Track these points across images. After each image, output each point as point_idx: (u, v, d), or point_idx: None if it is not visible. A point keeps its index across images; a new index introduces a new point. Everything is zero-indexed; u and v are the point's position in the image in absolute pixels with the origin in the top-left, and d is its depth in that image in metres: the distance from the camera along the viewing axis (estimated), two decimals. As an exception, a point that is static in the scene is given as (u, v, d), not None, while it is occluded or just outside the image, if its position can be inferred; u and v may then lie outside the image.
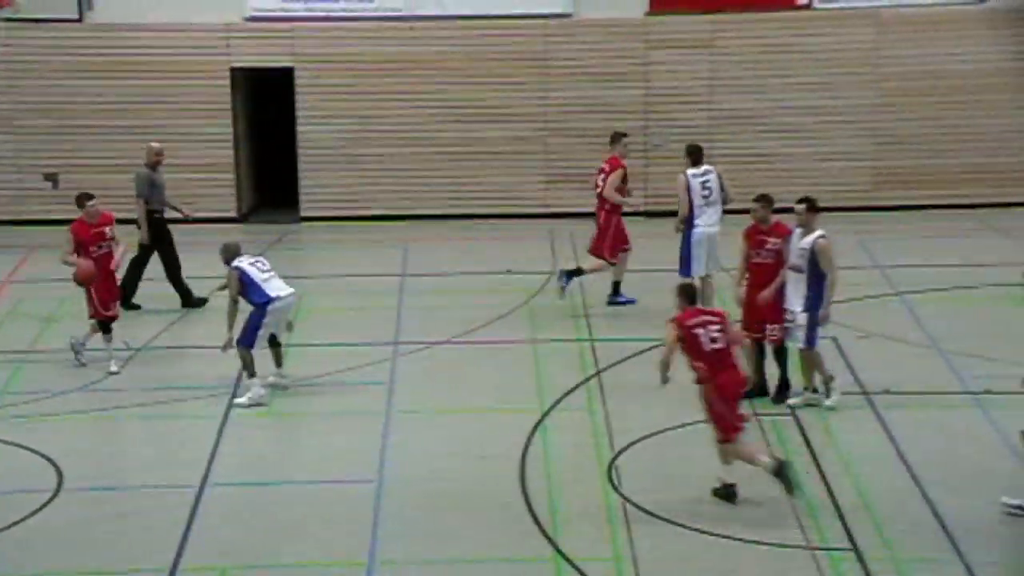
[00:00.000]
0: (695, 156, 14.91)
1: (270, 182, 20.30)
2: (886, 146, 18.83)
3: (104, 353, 14.09)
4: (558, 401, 13.10)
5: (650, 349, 14.13)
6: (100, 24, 18.85)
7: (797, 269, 12.47)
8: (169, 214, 16.22)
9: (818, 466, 11.57)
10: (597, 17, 18.86)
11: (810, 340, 12.41)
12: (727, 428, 10.80)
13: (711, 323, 10.83)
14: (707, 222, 14.69)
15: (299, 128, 19.28)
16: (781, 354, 12.75)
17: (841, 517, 10.63)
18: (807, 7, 18.64)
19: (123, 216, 15.64)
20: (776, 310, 12.58)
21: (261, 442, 12.45)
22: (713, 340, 10.75)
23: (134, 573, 10.07)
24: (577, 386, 13.49)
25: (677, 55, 18.84)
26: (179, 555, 10.27)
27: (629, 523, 10.64)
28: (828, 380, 12.56)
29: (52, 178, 19.24)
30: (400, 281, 16.92)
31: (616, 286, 15.82)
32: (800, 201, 12.53)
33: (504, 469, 11.64)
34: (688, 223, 14.70)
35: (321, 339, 14.75)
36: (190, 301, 15.91)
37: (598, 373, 13.81)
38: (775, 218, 12.77)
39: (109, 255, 14.06)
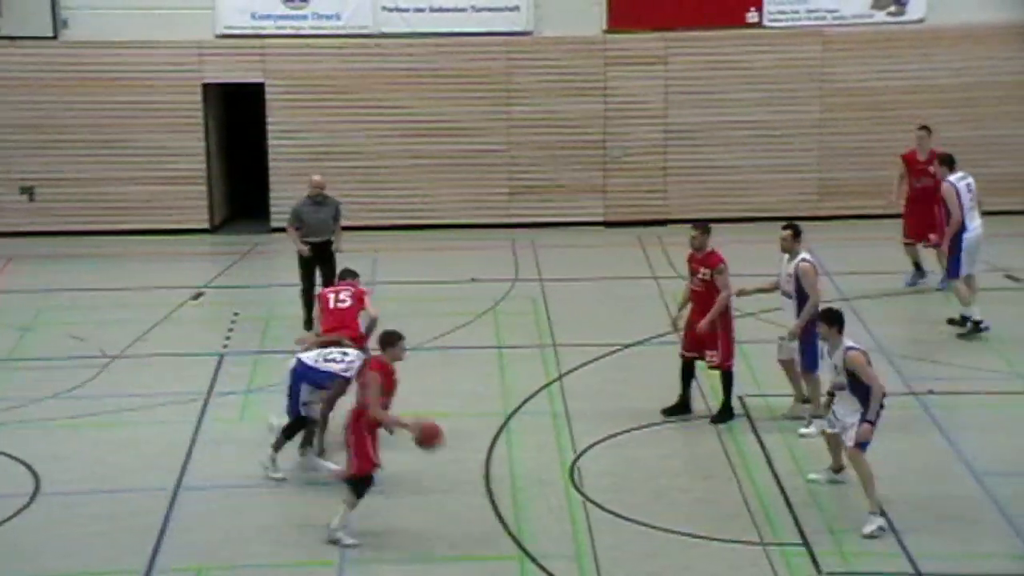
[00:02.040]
0: (951, 163, 15.12)
1: (242, 194, 20.67)
2: (831, 158, 19.38)
3: (78, 362, 14.27)
4: (522, 405, 13.52)
5: (610, 354, 14.65)
6: (74, 42, 19.07)
7: (788, 295, 12.60)
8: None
9: (770, 465, 12.09)
10: (557, 35, 19.30)
11: (809, 365, 12.42)
12: None
13: None
14: (975, 224, 14.93)
15: (270, 142, 19.63)
16: (727, 379, 12.85)
17: (793, 514, 11.11)
18: (757, 25, 19.10)
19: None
20: (714, 337, 12.68)
21: (235, 446, 12.63)
22: None
23: None
24: (540, 390, 13.93)
25: (634, 71, 19.30)
26: (154, 557, 10.53)
27: (591, 522, 11.06)
28: (816, 409, 12.43)
29: (28, 191, 19.54)
30: (369, 290, 17.31)
31: None
32: (785, 227, 12.63)
33: (469, 471, 12.03)
34: (961, 227, 14.83)
35: (292, 346, 15.15)
36: None
37: (560, 377, 14.26)
38: (711, 247, 12.87)
39: None
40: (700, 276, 12.79)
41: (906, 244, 16.59)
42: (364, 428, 10.72)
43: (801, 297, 12.52)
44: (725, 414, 12.93)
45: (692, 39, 19.20)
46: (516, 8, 19.27)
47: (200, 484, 11.87)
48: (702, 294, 12.80)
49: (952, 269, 14.82)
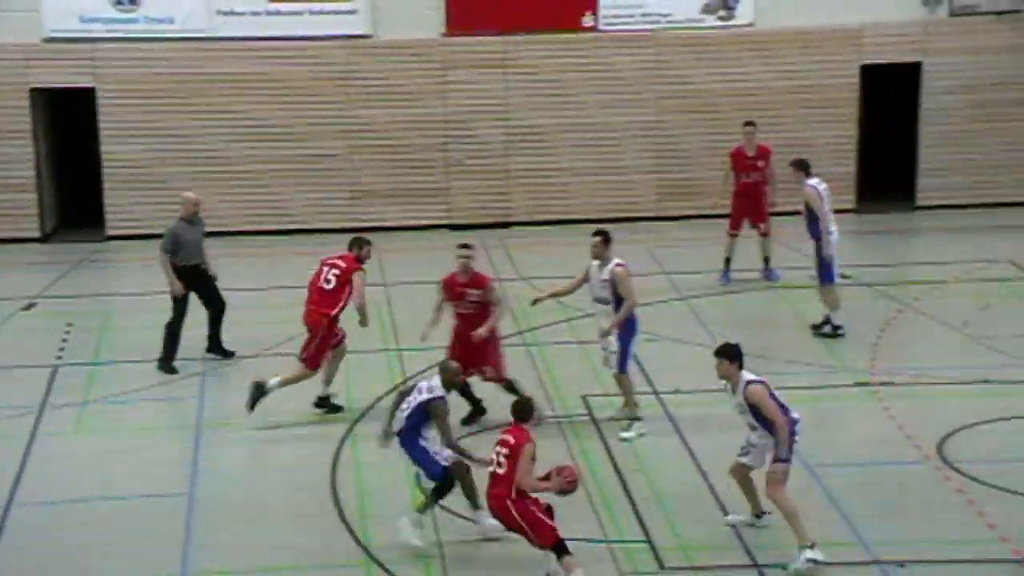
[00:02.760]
0: (807, 167, 15.12)
1: (75, 202, 20.19)
2: (667, 160, 19.78)
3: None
4: (367, 410, 13.50)
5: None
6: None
7: (603, 301, 12.70)
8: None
9: (614, 464, 12.28)
10: (396, 38, 19.31)
11: (621, 365, 12.71)
12: None
13: None
14: (834, 228, 15.03)
15: (103, 148, 19.23)
16: (512, 388, 12.73)
17: (636, 511, 11.31)
18: (592, 28, 19.42)
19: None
20: (488, 351, 12.69)
21: (69, 460, 12.43)
22: None
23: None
24: (385, 394, 13.88)
25: (473, 74, 19.42)
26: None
27: (437, 524, 11.10)
28: (633, 411, 12.73)
29: None
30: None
31: None
32: (595, 234, 12.72)
33: (316, 477, 11.99)
34: (824, 232, 14.91)
35: (130, 356, 14.87)
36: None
37: (405, 381, 14.17)
38: (477, 267, 12.96)
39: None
40: (472, 299, 12.81)
41: (731, 235, 17.00)
42: (526, 500, 10.16)
43: (618, 301, 12.68)
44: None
45: (530, 42, 19.39)
46: (354, 11, 19.21)
47: (33, 499, 11.58)
48: (474, 317, 12.75)
49: (825, 275, 15.05)
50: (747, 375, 10.50)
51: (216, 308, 14.78)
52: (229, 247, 18.79)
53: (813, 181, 15.11)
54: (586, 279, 12.95)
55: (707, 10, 19.37)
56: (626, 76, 19.49)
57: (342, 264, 13.37)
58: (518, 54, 19.44)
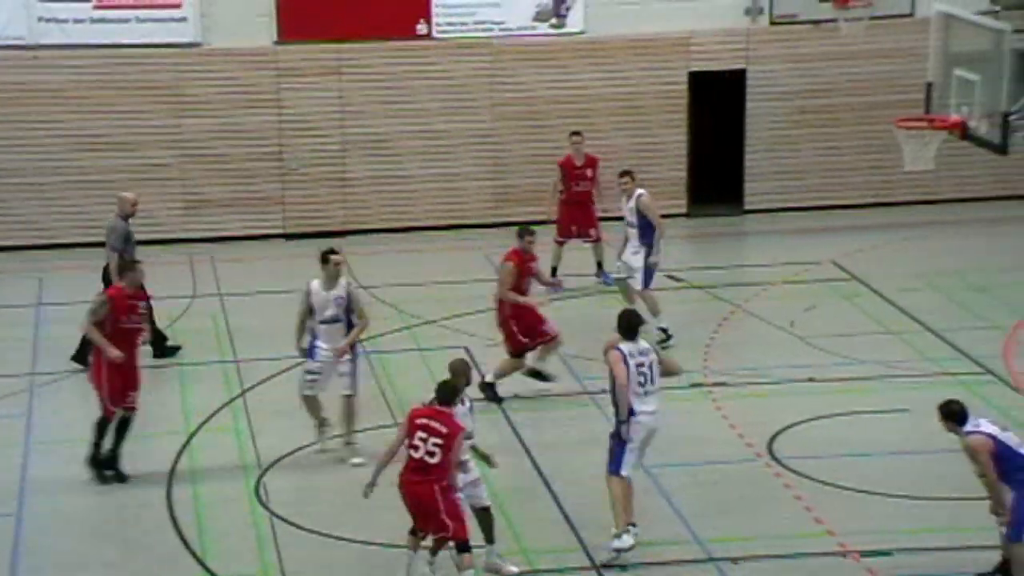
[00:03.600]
0: (632, 177, 15.57)
1: None
2: (505, 166, 19.93)
3: None
4: (204, 422, 13.36)
5: (293, 368, 14.58)
6: None
7: (334, 319, 12.46)
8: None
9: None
10: (227, 46, 19.04)
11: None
12: None
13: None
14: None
15: (-80, 159, 18.56)
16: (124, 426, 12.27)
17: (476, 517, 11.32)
18: (427, 36, 19.45)
19: None
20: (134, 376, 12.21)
21: None
22: None
23: None
24: (222, 407, 13.80)
25: (307, 82, 19.28)
26: None
27: (277, 537, 11.08)
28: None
29: None
30: (36, 312, 16.68)
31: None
32: (326, 252, 12.53)
33: (151, 493, 11.83)
34: (657, 240, 15.43)
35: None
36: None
37: (243, 393, 14.16)
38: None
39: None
40: (142, 311, 12.45)
41: (557, 243, 17.27)
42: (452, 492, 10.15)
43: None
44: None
45: (365, 50, 19.34)
46: (183, 19, 18.89)
47: None
48: (138, 331, 12.35)
49: (647, 279, 15.39)
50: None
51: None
52: (62, 260, 18.37)
53: (644, 189, 15.53)
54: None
55: (539, 18, 19.58)
56: (461, 83, 19.58)
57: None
58: (352, 61, 19.37)
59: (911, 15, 17.98)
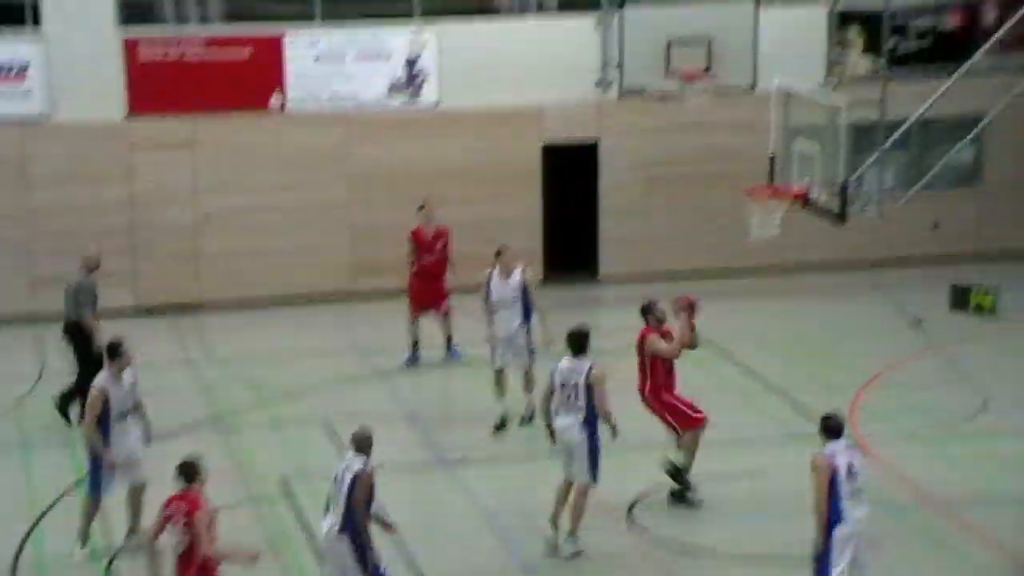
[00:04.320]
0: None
1: None
2: (362, 238, 19.99)
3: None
4: (52, 504, 13.06)
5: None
6: None
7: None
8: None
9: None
10: (76, 119, 18.79)
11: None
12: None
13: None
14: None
15: None
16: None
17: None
18: (281, 109, 19.37)
19: None
20: None
21: None
22: None
23: None
24: (72, 485, 13.53)
25: (160, 156, 19.05)
26: None
27: None
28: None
29: None
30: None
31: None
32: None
33: None
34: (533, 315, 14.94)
35: None
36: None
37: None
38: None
39: None
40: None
41: (414, 317, 17.02)
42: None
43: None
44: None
45: (218, 123, 19.23)
46: (29, 91, 18.58)
47: None
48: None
49: (532, 356, 14.97)
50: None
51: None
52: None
53: (525, 267, 15.20)
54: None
55: (393, 90, 19.76)
56: (316, 155, 19.59)
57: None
58: (206, 135, 19.25)
59: (753, 89, 18.57)
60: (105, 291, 18.77)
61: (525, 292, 14.94)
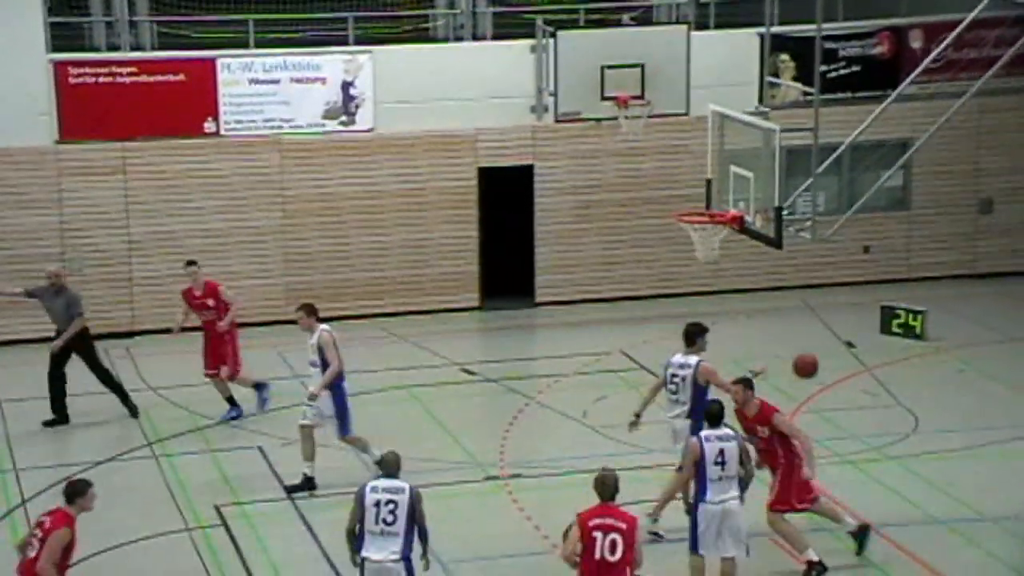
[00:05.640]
0: (317, 312, 14.08)
1: None
2: (295, 263, 19.92)
3: None
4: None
5: (84, 471, 14.12)
6: None
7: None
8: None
9: (248, 572, 12.19)
10: (4, 146, 18.58)
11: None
12: None
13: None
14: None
15: None
16: None
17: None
18: (215, 134, 19.34)
19: None
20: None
21: None
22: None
23: None
24: (3, 517, 13.30)
25: (91, 181, 18.88)
26: None
27: None
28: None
29: None
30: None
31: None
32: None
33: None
34: (340, 377, 14.04)
35: None
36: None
37: (23, 503, 13.65)
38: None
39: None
40: None
41: (208, 376, 16.09)
42: None
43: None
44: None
45: (150, 148, 19.08)
46: (-44, 118, 18.36)
47: None
48: None
49: (344, 426, 13.97)
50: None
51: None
52: None
53: (325, 325, 13.96)
54: None
55: (328, 115, 19.70)
56: (250, 180, 19.48)
57: None
58: (138, 160, 19.08)
59: (686, 114, 18.73)
60: (35, 316, 18.82)
61: (322, 351, 13.78)
